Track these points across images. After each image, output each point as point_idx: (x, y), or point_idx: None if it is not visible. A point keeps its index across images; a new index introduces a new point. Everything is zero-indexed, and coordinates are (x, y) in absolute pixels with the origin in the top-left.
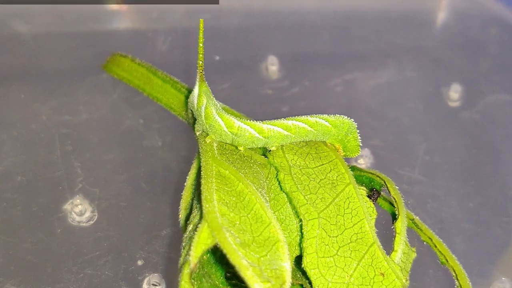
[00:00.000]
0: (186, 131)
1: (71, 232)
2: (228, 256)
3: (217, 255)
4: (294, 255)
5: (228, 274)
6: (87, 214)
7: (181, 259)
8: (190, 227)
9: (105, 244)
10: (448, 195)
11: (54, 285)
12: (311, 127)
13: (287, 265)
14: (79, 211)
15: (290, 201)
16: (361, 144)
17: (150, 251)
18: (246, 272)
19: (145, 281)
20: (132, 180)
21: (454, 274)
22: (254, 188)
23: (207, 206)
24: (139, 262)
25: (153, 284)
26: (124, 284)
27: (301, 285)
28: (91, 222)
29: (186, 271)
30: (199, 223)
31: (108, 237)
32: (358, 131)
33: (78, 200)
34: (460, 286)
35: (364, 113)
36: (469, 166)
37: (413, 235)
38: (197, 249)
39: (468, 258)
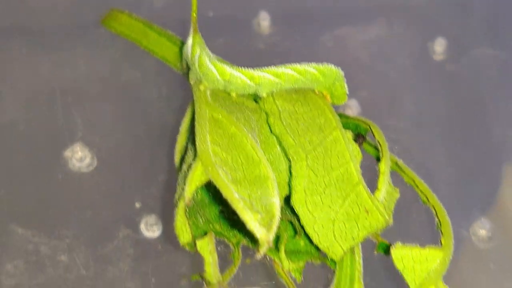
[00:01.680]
0: (182, 84)
1: (72, 178)
2: (220, 190)
3: (211, 196)
4: (284, 194)
5: (221, 214)
6: (87, 160)
7: (176, 196)
8: (184, 167)
9: (104, 189)
10: (434, 144)
11: (56, 226)
12: (299, 75)
13: (277, 201)
14: (79, 157)
15: (280, 144)
16: (348, 93)
17: (147, 195)
18: (238, 205)
19: (143, 222)
20: (130, 129)
21: (434, 211)
22: (246, 131)
23: (200, 146)
24: (137, 205)
25: (150, 225)
26: (123, 225)
27: (290, 221)
28: (91, 168)
29: (181, 206)
30: (193, 161)
31: (107, 182)
32: (345, 79)
33: (78, 148)
34: (439, 222)
35: (353, 67)
36: (454, 117)
37: (397, 180)
38: (191, 185)
39: (450, 202)
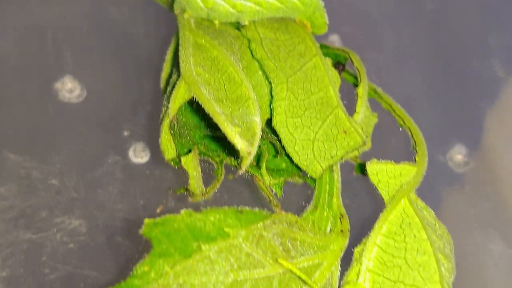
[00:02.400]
0: (168, 20)
1: (62, 108)
2: (203, 106)
3: (196, 120)
4: (265, 118)
5: (206, 137)
6: (77, 92)
7: (162, 114)
8: (169, 89)
9: (94, 118)
10: (414, 77)
11: (47, 152)
12: (281, 3)
13: (257, 119)
14: (69, 89)
15: (261, 69)
16: (329, 27)
17: (135, 124)
18: (219, 118)
19: (131, 148)
20: (118, 63)
21: (410, 133)
22: (228, 54)
23: (184, 67)
24: (125, 133)
25: (138, 151)
26: (112, 152)
27: (272, 143)
28: (81, 99)
29: (166, 123)
30: (177, 82)
31: (96, 112)
32: (325, 10)
33: (67, 80)
34: (415, 142)
35: (334, 2)
36: (434, 51)
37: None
38: (175, 102)
39: (428, 130)
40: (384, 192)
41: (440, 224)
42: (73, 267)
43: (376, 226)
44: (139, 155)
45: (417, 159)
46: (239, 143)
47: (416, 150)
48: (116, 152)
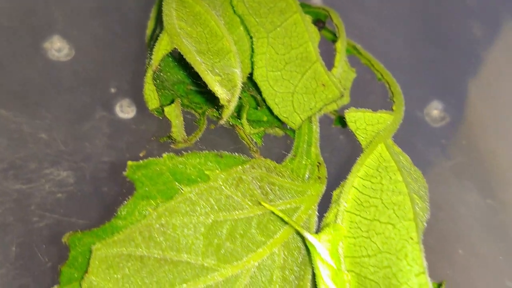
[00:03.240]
0: None
1: (51, 66)
2: (185, 56)
3: (180, 75)
4: (247, 72)
5: (189, 91)
6: (65, 51)
7: (145, 66)
8: (152, 42)
9: (82, 76)
10: (394, 36)
11: (36, 108)
12: None
13: (238, 71)
14: (58, 48)
15: (243, 24)
16: None
17: (122, 81)
18: (200, 67)
19: (118, 104)
20: (106, 23)
21: (388, 85)
22: (210, 9)
23: (167, 20)
24: (112, 90)
25: (125, 107)
26: (99, 107)
27: (253, 96)
28: (69, 58)
29: (149, 74)
30: (159, 35)
31: (84, 70)
32: None
33: (56, 39)
34: (392, 93)
35: None
36: (415, 11)
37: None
38: (157, 54)
39: (406, 87)
40: (362, 138)
41: (415, 168)
42: (61, 215)
43: (354, 169)
44: (125, 111)
45: (394, 108)
46: (219, 91)
47: (393, 101)
48: (103, 107)
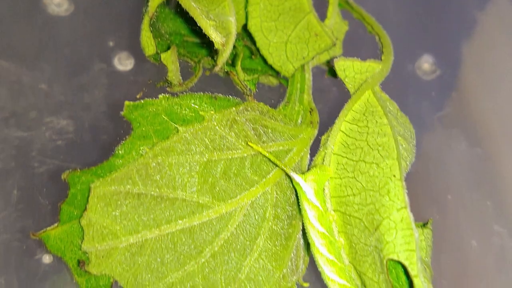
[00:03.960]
0: None
1: (51, 21)
2: (180, 2)
3: (177, 25)
4: (242, 23)
5: (185, 41)
6: (65, 6)
7: (142, 15)
8: None
9: (81, 30)
10: None
11: (36, 60)
12: None
13: (233, 20)
14: (57, 3)
15: None
16: None
17: (120, 35)
18: (195, 12)
19: (116, 57)
20: None
21: (378, 37)
22: None
23: None
24: (111, 43)
25: (123, 60)
26: (98, 60)
27: (247, 46)
28: (68, 13)
29: (146, 21)
30: None
31: (83, 25)
32: None
33: None
34: (382, 44)
35: None
36: None
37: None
38: (154, 1)
39: (398, 42)
40: (350, 86)
41: (402, 114)
42: (60, 161)
43: (341, 114)
44: (123, 63)
45: (383, 58)
46: (213, 35)
47: (382, 51)
48: (102, 60)
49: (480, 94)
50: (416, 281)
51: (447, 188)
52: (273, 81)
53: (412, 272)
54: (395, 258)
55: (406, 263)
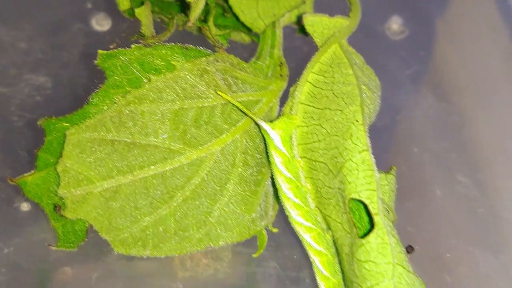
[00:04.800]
0: None
1: None
2: None
3: None
4: None
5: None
6: None
7: None
8: None
9: None
10: None
11: (17, 22)
12: None
13: None
14: None
15: None
16: None
17: None
18: None
19: (93, 18)
20: None
21: None
22: None
23: None
24: (89, 5)
25: (100, 20)
26: (76, 21)
27: (219, 4)
28: None
29: None
30: None
31: None
32: None
33: None
34: (350, 2)
35: None
36: None
37: None
38: None
39: (368, 4)
40: (318, 40)
41: (368, 67)
42: (39, 116)
43: (309, 66)
44: (100, 24)
45: (350, 15)
46: None
47: (351, 9)
48: (80, 20)
49: (448, 52)
50: (376, 219)
51: (414, 141)
52: (245, 38)
53: (373, 210)
54: (357, 197)
55: (367, 202)
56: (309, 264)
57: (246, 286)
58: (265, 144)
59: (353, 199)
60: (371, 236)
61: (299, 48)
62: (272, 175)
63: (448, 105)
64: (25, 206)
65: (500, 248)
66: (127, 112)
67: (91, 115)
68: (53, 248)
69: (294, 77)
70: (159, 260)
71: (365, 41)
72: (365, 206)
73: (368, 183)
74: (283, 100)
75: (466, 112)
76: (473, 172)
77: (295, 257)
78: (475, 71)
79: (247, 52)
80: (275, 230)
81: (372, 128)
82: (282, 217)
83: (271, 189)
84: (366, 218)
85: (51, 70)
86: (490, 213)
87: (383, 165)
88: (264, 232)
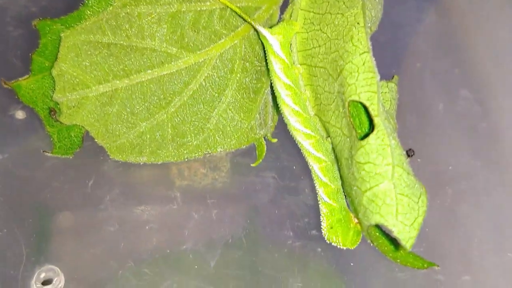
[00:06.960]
0: None
1: None
2: None
3: None
4: None
5: None
6: None
7: None
8: None
9: None
10: None
11: None
12: None
13: None
14: None
15: None
16: None
17: None
18: None
19: None
20: None
21: None
22: None
23: None
24: None
25: None
26: None
27: None
28: None
29: None
30: None
31: None
32: None
33: None
34: None
35: None
36: None
37: None
38: None
39: None
40: None
41: None
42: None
43: None
44: None
45: None
46: None
47: None
48: None
49: None
50: (376, 120)
51: (417, 56)
52: None
53: (373, 112)
54: (357, 99)
55: (367, 104)
56: (308, 174)
57: (244, 195)
58: (265, 51)
59: (353, 102)
60: (371, 138)
61: None
62: (271, 83)
63: (450, 22)
64: (20, 114)
65: (500, 162)
66: (124, 14)
67: (86, 17)
68: (48, 154)
69: None
70: (156, 168)
71: None
72: (366, 109)
73: (368, 84)
74: (284, 8)
75: (469, 29)
76: (477, 88)
77: (294, 167)
78: None
79: None
80: (274, 140)
81: (374, 42)
82: (282, 129)
83: (270, 98)
84: (366, 124)
85: None
86: (491, 128)
87: (385, 79)
88: (263, 141)
